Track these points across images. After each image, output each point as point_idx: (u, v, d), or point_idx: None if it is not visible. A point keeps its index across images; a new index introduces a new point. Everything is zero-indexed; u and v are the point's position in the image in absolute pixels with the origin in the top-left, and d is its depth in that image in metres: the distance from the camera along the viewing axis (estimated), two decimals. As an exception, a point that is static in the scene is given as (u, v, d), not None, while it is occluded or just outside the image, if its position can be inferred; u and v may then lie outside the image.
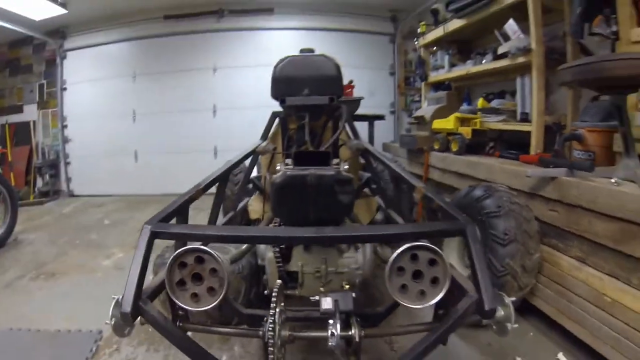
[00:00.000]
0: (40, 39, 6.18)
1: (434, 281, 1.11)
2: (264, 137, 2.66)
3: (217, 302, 1.07)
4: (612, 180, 1.69)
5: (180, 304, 1.08)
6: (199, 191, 1.57)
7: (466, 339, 2.08)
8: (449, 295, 1.40)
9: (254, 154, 2.44)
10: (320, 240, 1.22)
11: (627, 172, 1.69)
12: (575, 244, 1.91)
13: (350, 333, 1.25)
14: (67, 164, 6.47)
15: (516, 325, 1.21)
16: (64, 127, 6.39)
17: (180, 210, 1.43)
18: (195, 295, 1.08)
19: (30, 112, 6.56)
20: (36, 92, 6.54)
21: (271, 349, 1.14)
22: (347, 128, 2.48)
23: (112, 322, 1.20)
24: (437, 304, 1.39)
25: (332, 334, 1.17)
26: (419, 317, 1.78)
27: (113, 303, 1.21)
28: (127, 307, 1.10)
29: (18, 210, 3.91)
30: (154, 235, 1.20)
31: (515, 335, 2.08)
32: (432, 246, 1.08)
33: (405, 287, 1.11)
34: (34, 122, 6.51)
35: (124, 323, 1.16)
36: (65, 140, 6.42)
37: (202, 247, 1.05)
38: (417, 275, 1.11)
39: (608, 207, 1.66)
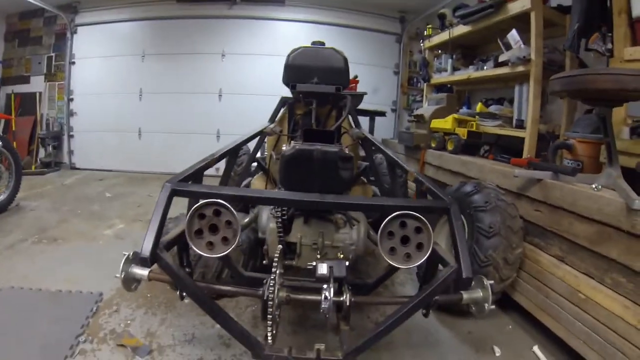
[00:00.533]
0: (52, 12, 6.21)
1: (419, 247, 1.24)
2: (272, 120, 2.79)
3: (229, 250, 1.19)
4: (593, 186, 1.78)
5: (197, 250, 1.19)
6: (213, 160, 1.70)
7: (448, 327, 2.20)
8: (433, 270, 1.54)
9: (262, 134, 2.57)
10: (322, 205, 1.34)
11: (608, 181, 1.77)
12: (555, 242, 2.01)
13: (341, 299, 1.37)
14: (70, 136, 6.53)
15: (493, 307, 1.34)
16: (70, 100, 6.44)
17: (196, 175, 1.55)
18: (210, 244, 1.20)
19: (37, 84, 6.59)
20: (44, 64, 6.57)
21: (270, 309, 1.24)
22: (350, 119, 2.62)
23: (122, 276, 1.32)
24: (422, 280, 1.53)
25: (325, 297, 1.28)
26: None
27: (124, 259, 1.33)
28: (147, 253, 1.21)
29: (21, 176, 3.96)
30: (173, 193, 1.33)
31: (495, 327, 2.21)
32: (419, 215, 1.21)
33: (394, 250, 1.24)
34: (40, 93, 6.55)
35: (140, 267, 1.28)
36: (70, 114, 6.47)
37: (220, 201, 1.17)
38: (405, 240, 1.24)
39: (586, 209, 1.76)
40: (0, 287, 2.29)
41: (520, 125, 3.19)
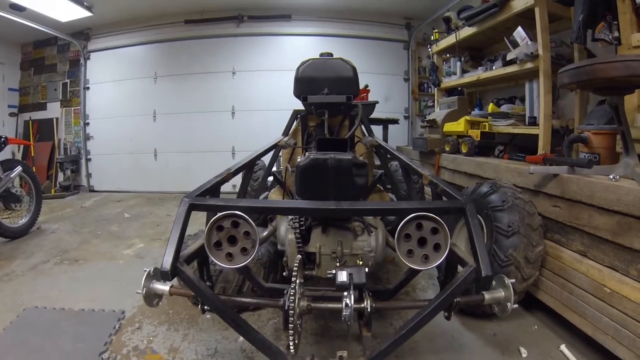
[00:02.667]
0: (65, 39, 6.45)
1: (437, 248, 1.24)
2: (286, 133, 2.83)
3: (248, 260, 1.20)
4: (610, 177, 1.75)
5: (217, 261, 1.21)
6: (229, 174, 1.73)
7: (471, 330, 2.16)
8: (452, 272, 1.52)
9: (276, 147, 2.60)
10: (339, 212, 1.35)
11: (627, 170, 1.74)
12: (576, 237, 1.97)
13: (362, 305, 1.37)
14: (87, 160, 6.70)
15: (516, 306, 1.32)
16: (86, 124, 6.62)
17: (213, 189, 1.58)
18: (229, 255, 1.22)
19: (54, 110, 6.82)
20: (59, 91, 6.80)
21: (291, 318, 1.24)
22: (363, 128, 2.64)
23: (144, 292, 1.35)
24: (442, 283, 1.51)
25: (346, 305, 1.28)
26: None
27: (145, 275, 1.36)
28: (167, 267, 1.23)
29: (42, 200, 4.08)
30: (191, 207, 1.35)
31: (520, 328, 2.16)
32: (434, 216, 1.21)
33: (412, 252, 1.24)
34: (57, 119, 6.77)
35: (159, 281, 1.30)
36: (87, 138, 6.65)
37: (238, 212, 1.19)
38: (421, 242, 1.24)
39: (605, 201, 1.72)
40: (24, 307, 2.33)
41: (533, 122, 3.16)
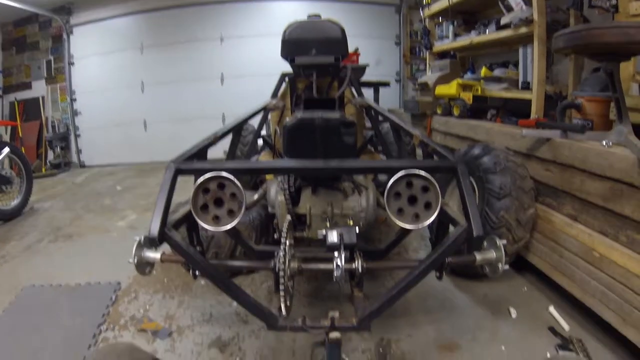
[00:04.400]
0: (46, 15, 6.22)
1: (428, 207, 1.21)
2: (274, 95, 2.78)
3: (235, 222, 1.18)
4: (603, 143, 1.74)
5: (203, 224, 1.19)
6: (217, 138, 1.69)
7: (463, 290, 2.21)
8: (444, 232, 1.52)
9: (265, 110, 2.55)
10: (327, 171, 1.32)
11: (619, 137, 1.72)
12: (567, 202, 1.98)
13: (353, 266, 1.36)
14: (77, 136, 6.60)
15: (507, 267, 1.31)
16: (73, 100, 6.48)
17: (200, 153, 1.54)
18: (216, 218, 1.20)
19: (39, 88, 6.66)
20: (44, 69, 6.61)
21: (282, 280, 1.22)
22: (353, 90, 2.59)
23: (135, 261, 1.33)
24: (434, 243, 1.51)
25: (337, 266, 1.27)
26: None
27: (135, 244, 1.34)
28: (155, 233, 1.21)
29: (32, 180, 4.04)
30: (177, 172, 1.32)
31: (510, 289, 2.21)
32: (425, 174, 1.18)
33: (402, 211, 1.21)
34: (43, 97, 6.62)
35: (150, 248, 1.29)
36: (75, 114, 6.53)
37: (224, 173, 1.16)
38: (412, 200, 1.21)
39: (598, 166, 1.72)
40: (21, 287, 2.34)
41: (527, 87, 3.11)
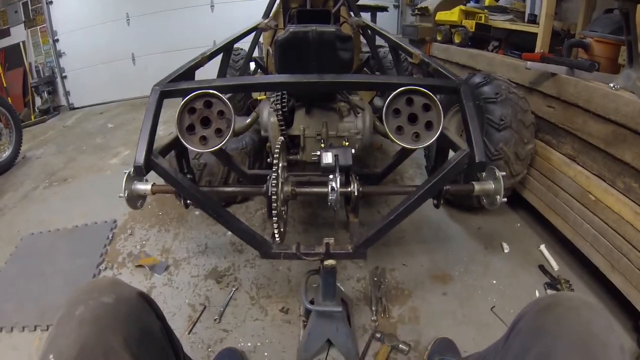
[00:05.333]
0: (15, -49, 5.72)
1: (428, 127, 1.15)
2: (266, 15, 2.63)
3: (224, 142, 1.13)
4: (611, 85, 1.65)
5: (190, 146, 1.13)
6: (205, 58, 1.58)
7: (458, 222, 2.22)
8: (443, 157, 1.47)
9: (256, 29, 2.41)
10: (321, 85, 1.23)
11: (628, 82, 1.63)
12: (567, 141, 1.93)
13: (349, 189, 1.32)
14: (63, 78, 6.30)
15: (505, 200, 1.27)
16: (56, 41, 6.11)
17: (187, 74, 1.45)
18: (203, 139, 1.14)
19: (18, 33, 6.22)
20: (21, 12, 6.15)
21: (274, 204, 1.17)
22: (350, 10, 2.44)
23: (126, 195, 1.29)
24: (432, 168, 1.44)
25: (332, 188, 1.22)
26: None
27: (125, 176, 1.29)
28: (140, 160, 1.16)
29: (22, 129, 3.91)
30: (163, 95, 1.24)
31: (504, 224, 2.23)
32: (426, 91, 1.10)
33: (401, 129, 1.15)
34: (24, 42, 6.23)
35: (140, 180, 1.24)
36: (59, 55, 6.19)
37: (210, 90, 1.08)
38: (412, 119, 1.15)
39: (603, 108, 1.65)
40: (20, 237, 2.34)
41: (533, 20, 2.95)
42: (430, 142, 1.14)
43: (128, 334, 0.68)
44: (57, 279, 1.95)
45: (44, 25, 6.08)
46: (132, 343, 0.68)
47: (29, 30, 6.18)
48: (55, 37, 6.09)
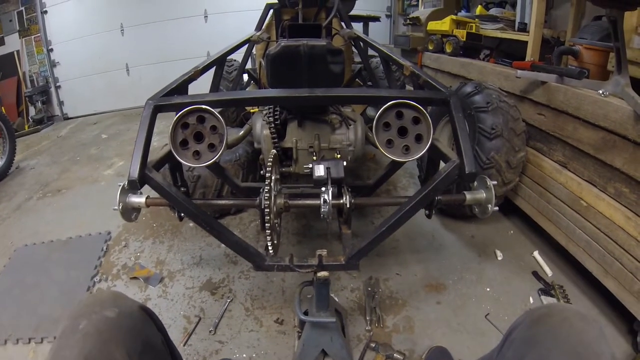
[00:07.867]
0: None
1: (418, 139, 1.16)
2: (259, 27, 2.66)
3: (217, 156, 1.13)
4: (600, 92, 1.68)
5: (183, 161, 1.14)
6: (198, 72, 1.60)
7: (451, 231, 2.23)
8: (434, 168, 1.49)
9: (249, 42, 2.44)
10: (313, 99, 1.24)
11: (616, 89, 1.65)
12: (558, 148, 1.96)
13: (341, 201, 1.33)
14: (57, 87, 6.29)
15: (496, 208, 1.30)
16: (50, 51, 6.12)
17: (180, 88, 1.46)
18: (196, 153, 1.15)
19: (13, 43, 6.22)
20: (15, 21, 6.15)
21: (267, 217, 1.18)
22: (342, 22, 2.47)
23: (120, 208, 1.30)
24: (424, 179, 1.46)
25: (325, 201, 1.23)
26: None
27: (119, 189, 1.30)
28: (135, 175, 1.16)
29: (15, 139, 3.88)
30: (156, 109, 1.25)
31: (497, 232, 2.25)
32: (416, 104, 1.12)
33: (391, 143, 1.16)
34: (18, 51, 6.22)
35: (134, 193, 1.25)
36: (53, 65, 6.18)
37: (203, 106, 1.09)
38: (402, 132, 1.16)
39: (592, 115, 1.67)
40: (14, 248, 2.33)
41: (523, 28, 3.00)
42: (420, 155, 1.15)
43: (130, 347, 0.69)
44: (52, 291, 1.93)
45: (39, 34, 6.08)
46: (134, 356, 0.69)
47: (23, 39, 6.18)
48: (50, 47, 6.10)
